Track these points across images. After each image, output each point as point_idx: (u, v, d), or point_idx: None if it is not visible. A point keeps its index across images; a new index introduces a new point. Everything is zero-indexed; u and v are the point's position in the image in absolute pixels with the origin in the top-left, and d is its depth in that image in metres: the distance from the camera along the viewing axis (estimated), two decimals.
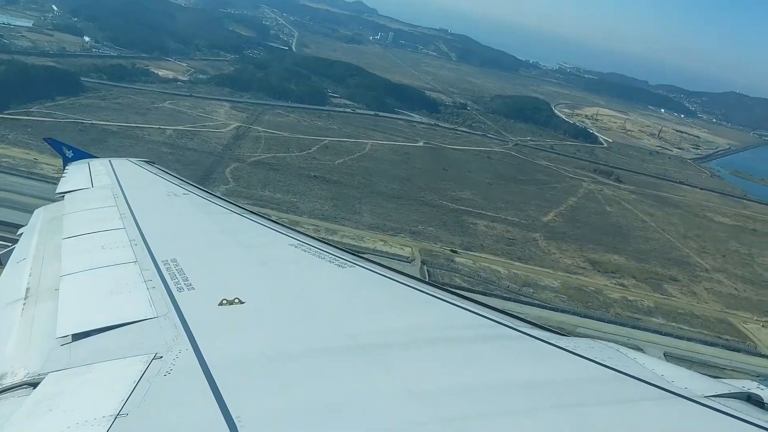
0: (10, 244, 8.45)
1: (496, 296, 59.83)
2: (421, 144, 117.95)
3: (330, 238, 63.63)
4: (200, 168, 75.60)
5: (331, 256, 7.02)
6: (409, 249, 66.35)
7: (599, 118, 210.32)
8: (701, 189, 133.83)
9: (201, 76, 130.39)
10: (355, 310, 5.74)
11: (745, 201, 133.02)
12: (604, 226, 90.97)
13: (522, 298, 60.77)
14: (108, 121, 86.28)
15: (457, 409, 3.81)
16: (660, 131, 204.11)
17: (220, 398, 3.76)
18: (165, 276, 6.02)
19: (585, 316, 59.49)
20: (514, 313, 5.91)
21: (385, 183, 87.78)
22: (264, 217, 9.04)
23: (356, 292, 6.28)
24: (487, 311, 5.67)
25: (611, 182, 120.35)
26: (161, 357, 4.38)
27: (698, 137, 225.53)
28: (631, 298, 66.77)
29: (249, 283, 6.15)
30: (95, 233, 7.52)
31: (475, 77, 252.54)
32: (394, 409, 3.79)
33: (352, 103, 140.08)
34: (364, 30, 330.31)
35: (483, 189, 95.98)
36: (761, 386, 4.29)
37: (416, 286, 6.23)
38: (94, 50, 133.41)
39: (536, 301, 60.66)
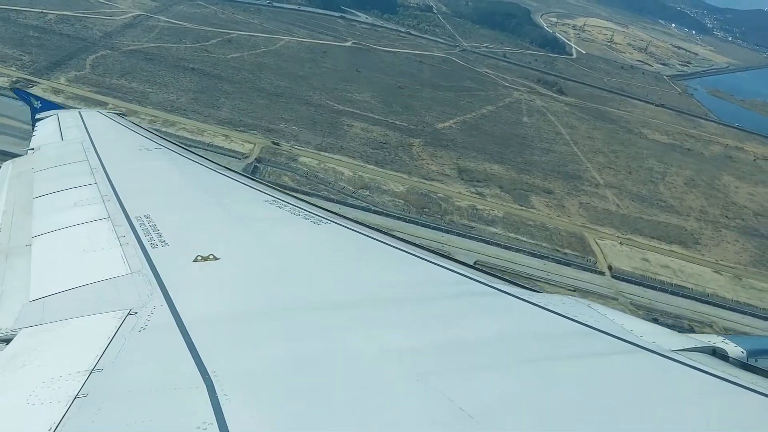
0: None
1: (320, 196, 57.45)
2: (348, 44, 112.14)
3: (164, 130, 61.24)
4: (60, 53, 72.54)
5: (305, 212, 6.99)
6: (252, 146, 63.62)
7: (587, 29, 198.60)
8: (656, 105, 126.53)
9: None
10: (330, 267, 5.68)
11: (701, 120, 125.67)
12: (506, 137, 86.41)
13: (348, 200, 58.33)
14: None
15: (432, 365, 3.81)
16: (648, 45, 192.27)
17: (196, 354, 3.69)
18: (138, 232, 5.91)
19: (407, 221, 56.98)
20: (487, 270, 5.81)
21: (274, 80, 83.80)
22: (238, 173, 8.91)
23: (331, 248, 6.23)
24: (462, 268, 5.61)
25: (551, 93, 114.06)
26: (136, 313, 4.32)
27: (695, 54, 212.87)
28: (480, 207, 63.68)
29: (223, 240, 6.05)
30: (66, 190, 7.36)
31: None
32: (369, 365, 3.79)
33: None
34: None
35: (389, 93, 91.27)
36: (726, 341, 4.48)
37: (391, 243, 6.18)
38: None
39: (362, 204, 58.18)
